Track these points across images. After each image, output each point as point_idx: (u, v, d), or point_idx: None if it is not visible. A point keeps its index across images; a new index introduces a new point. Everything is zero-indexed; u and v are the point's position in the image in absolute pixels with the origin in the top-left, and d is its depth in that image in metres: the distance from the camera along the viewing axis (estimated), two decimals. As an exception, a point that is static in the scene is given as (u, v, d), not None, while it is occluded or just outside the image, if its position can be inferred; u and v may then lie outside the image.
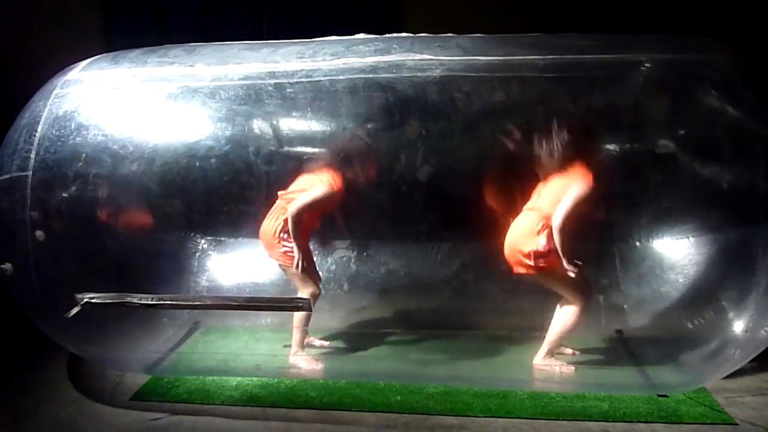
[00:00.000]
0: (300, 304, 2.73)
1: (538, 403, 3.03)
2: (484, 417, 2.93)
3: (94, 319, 3.05)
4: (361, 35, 3.14)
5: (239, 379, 3.31)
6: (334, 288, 3.90)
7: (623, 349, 3.44)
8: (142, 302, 2.79)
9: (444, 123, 3.40)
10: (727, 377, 3.17)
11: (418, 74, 2.95)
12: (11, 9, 5.30)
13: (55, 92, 3.11)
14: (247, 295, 3.30)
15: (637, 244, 3.59)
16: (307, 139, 3.49)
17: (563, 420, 2.90)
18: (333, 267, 3.96)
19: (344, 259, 3.96)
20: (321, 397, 3.13)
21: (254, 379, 3.31)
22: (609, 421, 2.87)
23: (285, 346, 3.50)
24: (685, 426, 2.83)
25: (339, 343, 3.65)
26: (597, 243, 3.71)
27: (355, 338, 3.66)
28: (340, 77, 3.03)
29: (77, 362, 3.53)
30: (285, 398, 3.13)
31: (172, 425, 2.93)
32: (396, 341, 3.64)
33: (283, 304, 2.95)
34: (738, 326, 2.89)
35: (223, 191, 3.40)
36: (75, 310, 2.78)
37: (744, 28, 4.66)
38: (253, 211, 3.40)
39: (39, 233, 3.00)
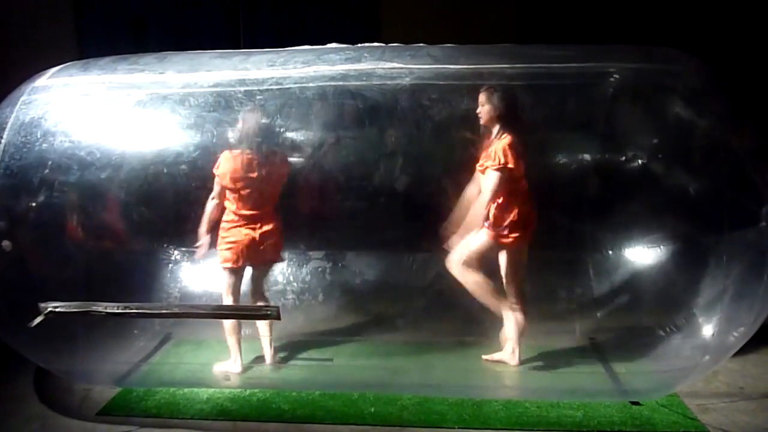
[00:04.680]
0: (268, 312, 2.70)
1: (512, 413, 3.03)
2: (458, 428, 2.92)
3: (61, 330, 2.99)
4: (333, 45, 3.17)
5: (210, 392, 3.26)
6: (308, 298, 3.87)
7: (596, 357, 3.45)
8: (108, 311, 2.74)
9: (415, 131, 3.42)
10: (699, 384, 3.21)
11: (388, 82, 2.98)
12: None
13: (22, 99, 3.08)
14: (216, 304, 3.25)
15: (609, 252, 3.62)
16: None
17: (537, 429, 2.89)
18: (308, 278, 3.94)
19: (319, 269, 3.94)
20: (293, 409, 3.09)
21: (225, 392, 3.26)
22: (583, 431, 2.87)
23: (256, 357, 3.47)
24: (658, 434, 2.84)
25: (313, 354, 3.60)
26: (570, 253, 3.74)
27: (330, 348, 3.63)
28: (311, 84, 3.05)
29: (43, 375, 3.45)
30: (257, 411, 3.08)
31: (140, 440, 2.88)
32: (370, 351, 3.62)
33: (251, 312, 2.91)
34: (707, 332, 2.92)
35: (192, 199, 3.35)
36: (38, 319, 2.71)
37: (709, 40, 4.77)
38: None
39: (6, 243, 2.95)
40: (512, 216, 3.21)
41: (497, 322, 3.39)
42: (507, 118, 3.17)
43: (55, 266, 3.18)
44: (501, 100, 3.15)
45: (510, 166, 3.12)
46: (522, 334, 3.30)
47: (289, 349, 3.60)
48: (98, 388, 3.32)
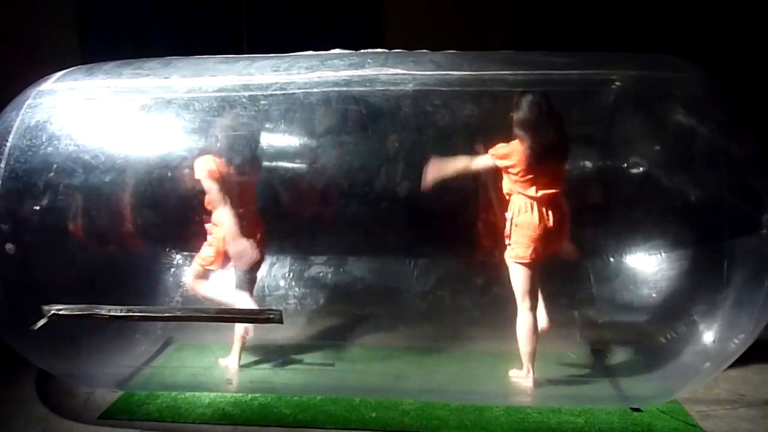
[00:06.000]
0: (271, 316, 2.70)
1: (513, 419, 3.03)
2: (459, 433, 2.91)
3: (64, 333, 2.99)
4: (336, 50, 3.19)
5: (212, 396, 3.26)
6: (310, 303, 3.88)
7: (597, 363, 3.46)
8: (111, 314, 2.74)
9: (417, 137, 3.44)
10: (700, 390, 3.21)
11: (391, 88, 3.00)
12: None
13: (27, 103, 3.09)
14: (218, 307, 3.24)
15: (611, 259, 3.63)
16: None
17: (538, 435, 2.89)
18: (310, 282, 3.95)
19: (320, 274, 3.95)
20: (295, 414, 3.09)
21: (227, 396, 3.26)
22: (584, 437, 2.87)
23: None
24: (658, 440, 2.84)
25: (314, 358, 3.61)
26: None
27: (331, 353, 3.64)
28: (314, 90, 3.07)
29: (45, 378, 3.45)
30: (258, 416, 3.09)
31: (141, 444, 2.89)
32: (371, 356, 3.63)
33: (254, 316, 2.91)
34: (708, 338, 2.92)
35: (195, 203, 3.36)
36: (42, 322, 2.72)
37: (710, 48, 4.80)
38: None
39: (9, 246, 2.96)
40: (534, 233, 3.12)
41: (500, 327, 3.39)
42: (534, 125, 3.08)
43: (58, 269, 3.18)
44: (532, 106, 3.09)
45: (501, 162, 3.09)
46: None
47: (290, 353, 3.59)
48: (100, 391, 3.32)
